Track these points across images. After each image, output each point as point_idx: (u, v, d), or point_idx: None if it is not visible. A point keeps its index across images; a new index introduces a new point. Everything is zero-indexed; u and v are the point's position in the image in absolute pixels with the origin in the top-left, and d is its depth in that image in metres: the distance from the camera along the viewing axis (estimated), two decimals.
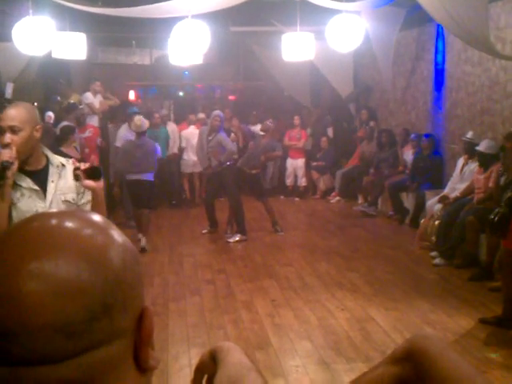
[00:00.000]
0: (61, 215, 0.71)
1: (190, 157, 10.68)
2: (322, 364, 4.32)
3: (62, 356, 0.62)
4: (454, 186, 7.50)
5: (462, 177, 7.43)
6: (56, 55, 7.48)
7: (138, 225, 7.89)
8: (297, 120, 11.80)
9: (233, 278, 6.49)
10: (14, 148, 2.63)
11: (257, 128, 9.24)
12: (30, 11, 6.27)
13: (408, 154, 9.49)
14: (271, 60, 11.05)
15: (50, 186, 2.77)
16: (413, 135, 9.45)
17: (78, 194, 2.84)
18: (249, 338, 4.81)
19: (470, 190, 7.08)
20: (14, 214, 2.68)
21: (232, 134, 10.19)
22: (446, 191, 7.59)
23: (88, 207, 2.77)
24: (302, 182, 11.76)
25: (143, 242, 7.58)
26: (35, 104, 7.83)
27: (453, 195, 7.30)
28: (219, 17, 6.79)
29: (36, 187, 2.74)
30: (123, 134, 9.12)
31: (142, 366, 0.70)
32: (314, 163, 11.65)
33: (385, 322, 5.08)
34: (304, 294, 5.89)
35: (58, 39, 7.16)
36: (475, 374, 0.84)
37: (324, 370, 4.23)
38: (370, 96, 11.89)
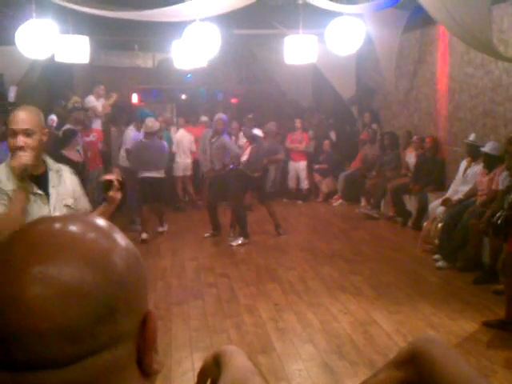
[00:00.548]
0: (64, 219, 0.71)
1: (181, 160, 10.71)
2: (324, 368, 4.31)
3: (66, 360, 0.62)
4: (457, 189, 7.49)
5: (465, 179, 7.42)
6: (59, 58, 7.50)
7: (142, 223, 8.46)
8: (298, 123, 11.81)
9: (235, 282, 6.48)
10: (30, 151, 2.64)
11: (255, 132, 9.24)
12: (33, 14, 6.29)
13: (410, 157, 9.48)
14: (273, 63, 11.07)
15: (52, 191, 2.78)
16: (415, 137, 9.45)
17: (74, 199, 2.87)
18: (252, 342, 4.80)
19: (473, 193, 7.07)
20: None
21: (232, 137, 10.20)
22: (448, 194, 7.58)
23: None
24: (305, 184, 11.76)
25: (144, 236, 8.26)
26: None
27: (456, 198, 7.29)
28: (222, 20, 6.80)
29: (40, 192, 2.76)
30: (132, 135, 9.20)
31: (146, 370, 0.70)
32: (317, 166, 11.64)
33: (388, 326, 5.07)
34: (307, 298, 5.88)
35: (61, 42, 7.19)
36: (479, 378, 0.84)
37: (327, 374, 4.22)
38: (373, 98, 11.89)
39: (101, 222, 0.71)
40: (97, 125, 9.60)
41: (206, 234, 8.62)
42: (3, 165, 2.74)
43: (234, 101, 14.61)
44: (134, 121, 9.56)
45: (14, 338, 0.60)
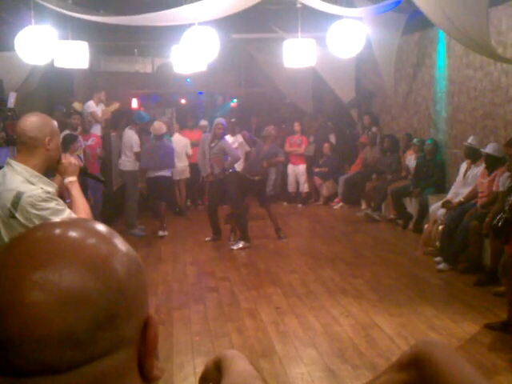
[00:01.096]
0: (64, 225, 0.71)
1: (177, 164, 10.72)
2: (327, 371, 4.30)
3: (66, 366, 0.61)
4: (457, 191, 7.49)
5: (466, 181, 7.42)
6: (58, 64, 7.50)
7: (160, 220, 8.99)
8: (297, 126, 11.81)
9: (237, 286, 6.48)
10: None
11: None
12: (32, 20, 6.29)
13: (410, 159, 9.48)
14: (273, 67, 11.07)
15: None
16: (415, 140, 9.45)
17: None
18: (253, 346, 4.79)
19: (473, 195, 7.07)
20: None
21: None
22: (449, 196, 7.58)
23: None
24: (305, 188, 11.75)
25: (161, 233, 8.90)
26: None
27: (456, 200, 7.29)
28: (221, 24, 6.81)
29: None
30: (137, 138, 9.23)
31: (147, 376, 0.70)
32: (317, 169, 11.64)
33: (389, 328, 5.06)
34: (308, 301, 5.88)
35: (61, 48, 7.19)
36: (481, 380, 0.84)
37: (329, 377, 4.21)
38: (372, 102, 11.90)
39: (101, 227, 0.71)
40: (96, 130, 9.58)
41: (207, 238, 8.62)
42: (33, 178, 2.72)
43: (233, 105, 14.63)
44: (130, 123, 9.53)
45: (13, 343, 0.60)
